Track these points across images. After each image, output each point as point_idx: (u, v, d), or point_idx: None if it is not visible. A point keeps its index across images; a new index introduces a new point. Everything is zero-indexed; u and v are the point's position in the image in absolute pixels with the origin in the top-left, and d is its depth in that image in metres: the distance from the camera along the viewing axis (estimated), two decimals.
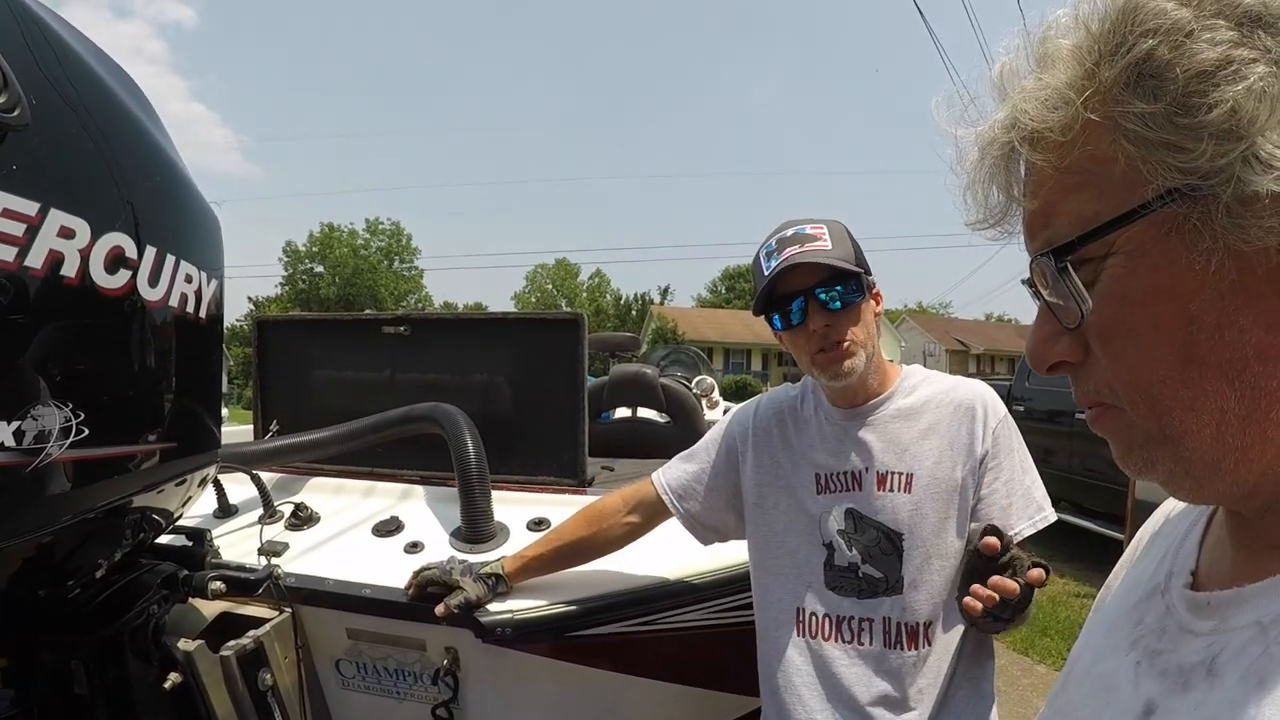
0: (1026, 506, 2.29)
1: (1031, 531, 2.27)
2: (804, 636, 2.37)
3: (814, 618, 2.36)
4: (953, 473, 2.29)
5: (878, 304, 2.37)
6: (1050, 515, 2.31)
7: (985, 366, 78.10)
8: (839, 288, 2.22)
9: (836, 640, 2.33)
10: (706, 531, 2.62)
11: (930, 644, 2.26)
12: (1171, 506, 1.10)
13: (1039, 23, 0.85)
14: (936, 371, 2.51)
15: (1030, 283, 0.89)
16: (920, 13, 13.19)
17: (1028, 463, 2.35)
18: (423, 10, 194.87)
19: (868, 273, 2.30)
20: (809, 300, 2.23)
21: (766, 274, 2.26)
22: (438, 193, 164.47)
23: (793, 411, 2.54)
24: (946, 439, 2.32)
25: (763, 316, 2.38)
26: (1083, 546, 10.34)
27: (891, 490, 2.32)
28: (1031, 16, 0.87)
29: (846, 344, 2.24)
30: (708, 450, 2.65)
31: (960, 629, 2.27)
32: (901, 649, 2.25)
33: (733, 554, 2.75)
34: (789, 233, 2.29)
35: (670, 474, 2.68)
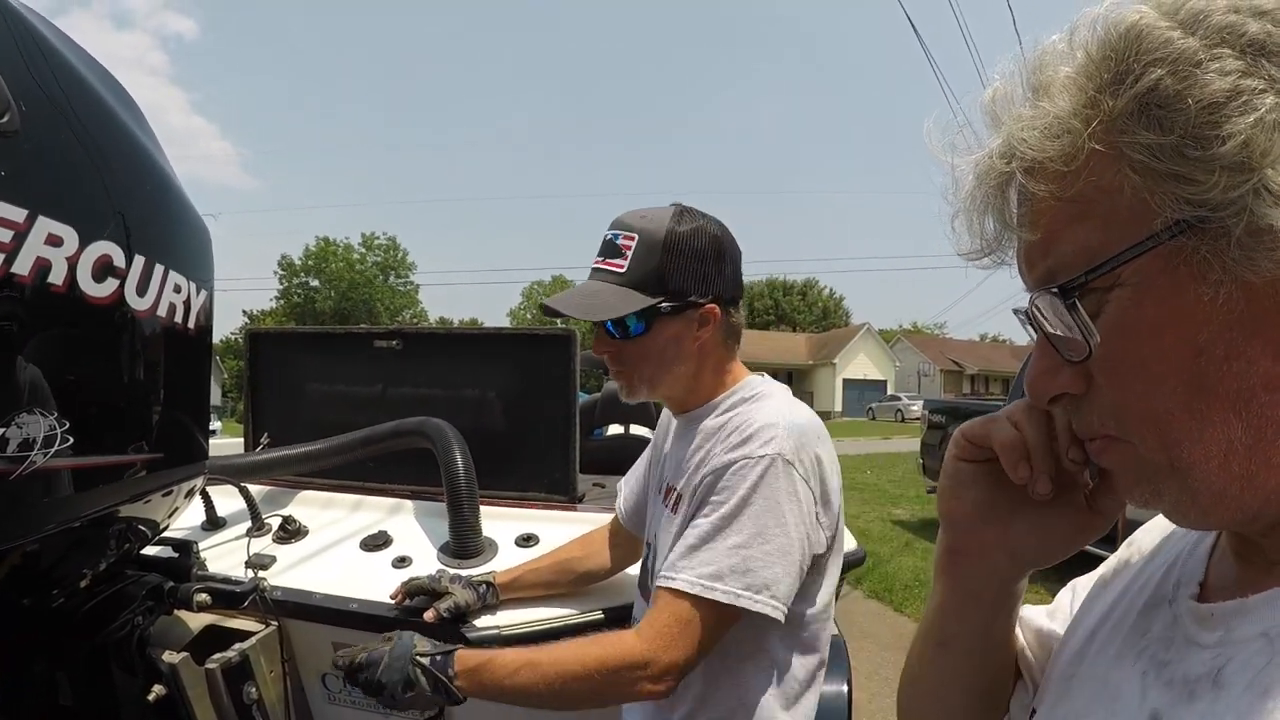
0: (680, 567, 1.92)
1: (684, 586, 1.89)
2: None
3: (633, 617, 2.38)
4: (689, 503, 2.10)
5: (704, 325, 2.16)
6: (705, 585, 1.86)
7: (980, 386, 78.77)
8: (626, 320, 2.13)
9: None
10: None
11: None
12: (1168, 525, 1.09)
13: (1032, 48, 0.84)
14: (773, 391, 2.22)
15: (1027, 314, 0.89)
16: (916, 32, 13.26)
17: (738, 523, 1.91)
18: (426, 26, 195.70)
19: (677, 296, 2.12)
20: (598, 325, 2.17)
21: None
22: (435, 207, 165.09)
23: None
24: (700, 463, 2.11)
25: None
26: (1076, 568, 10.31)
27: (666, 504, 2.23)
28: (1027, 41, 0.86)
29: (625, 372, 2.22)
30: (645, 451, 2.68)
31: (700, 676, 2.05)
32: None
33: None
34: (608, 235, 2.18)
35: (625, 481, 2.73)
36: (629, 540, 2.68)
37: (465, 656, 1.94)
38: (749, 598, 1.86)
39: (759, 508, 1.91)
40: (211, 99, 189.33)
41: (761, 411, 2.06)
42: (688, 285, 2.12)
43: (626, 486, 2.71)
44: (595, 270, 2.15)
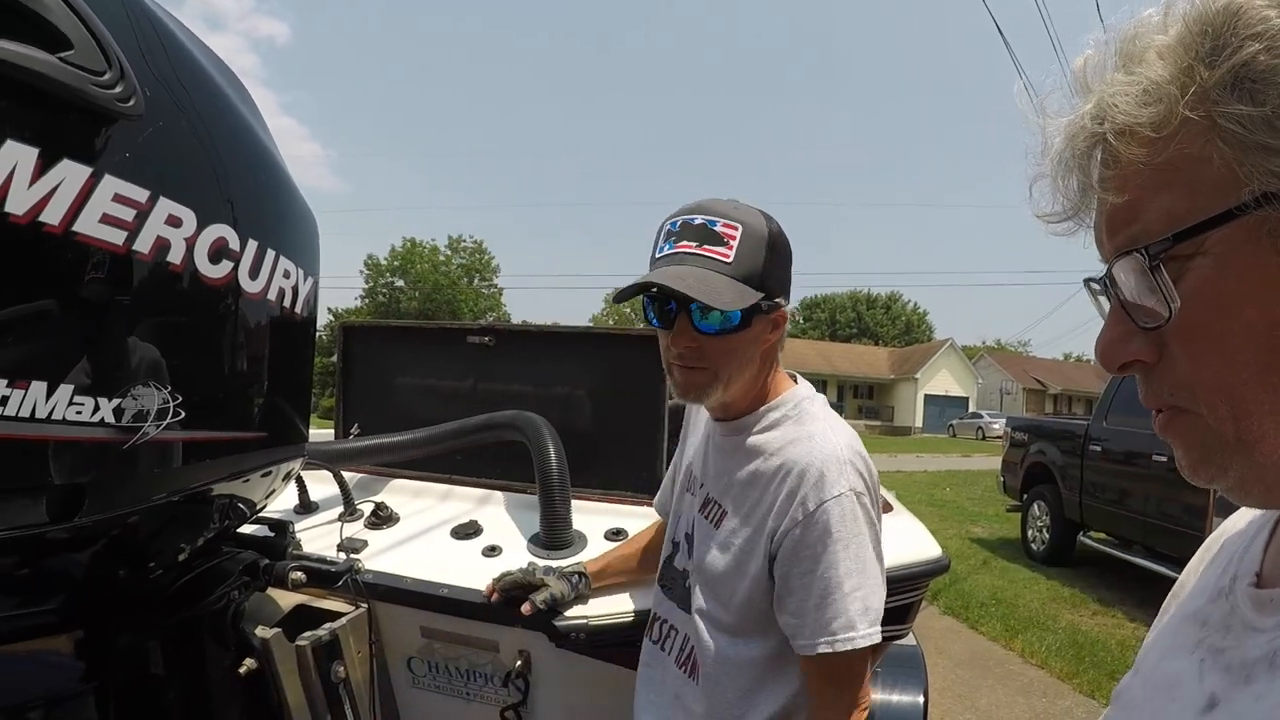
0: (817, 630, 1.92)
1: (828, 650, 1.90)
2: (650, 624, 2.39)
3: (652, 609, 2.38)
4: (753, 535, 2.06)
5: (776, 329, 2.12)
6: (845, 640, 1.90)
7: (1063, 406, 77.52)
8: (716, 312, 1.97)
9: (649, 636, 2.36)
10: None
11: (698, 683, 2.15)
12: (1234, 522, 1.10)
13: (1124, 21, 0.85)
14: (813, 412, 2.16)
15: (1102, 281, 0.89)
16: (999, 28, 13.11)
17: (845, 566, 1.93)
18: (513, 39, 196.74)
19: (770, 296, 2.03)
20: (681, 311, 2.01)
21: (656, 258, 2.04)
22: (521, 212, 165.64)
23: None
24: (759, 498, 2.06)
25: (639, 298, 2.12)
26: (1155, 591, 10.17)
27: (708, 518, 2.19)
28: (1109, 20, 0.88)
29: (704, 370, 2.05)
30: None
31: (728, 695, 2.09)
32: (686, 672, 2.19)
33: None
34: (697, 221, 2.01)
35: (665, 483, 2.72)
36: None
37: None
38: (877, 632, 1.93)
39: (855, 547, 1.94)
40: (301, 101, 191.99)
41: (818, 444, 2.02)
42: (776, 286, 2.05)
43: (663, 484, 2.72)
44: (690, 255, 1.98)
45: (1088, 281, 0.94)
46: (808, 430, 2.08)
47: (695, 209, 2.04)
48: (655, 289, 1.97)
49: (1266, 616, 0.86)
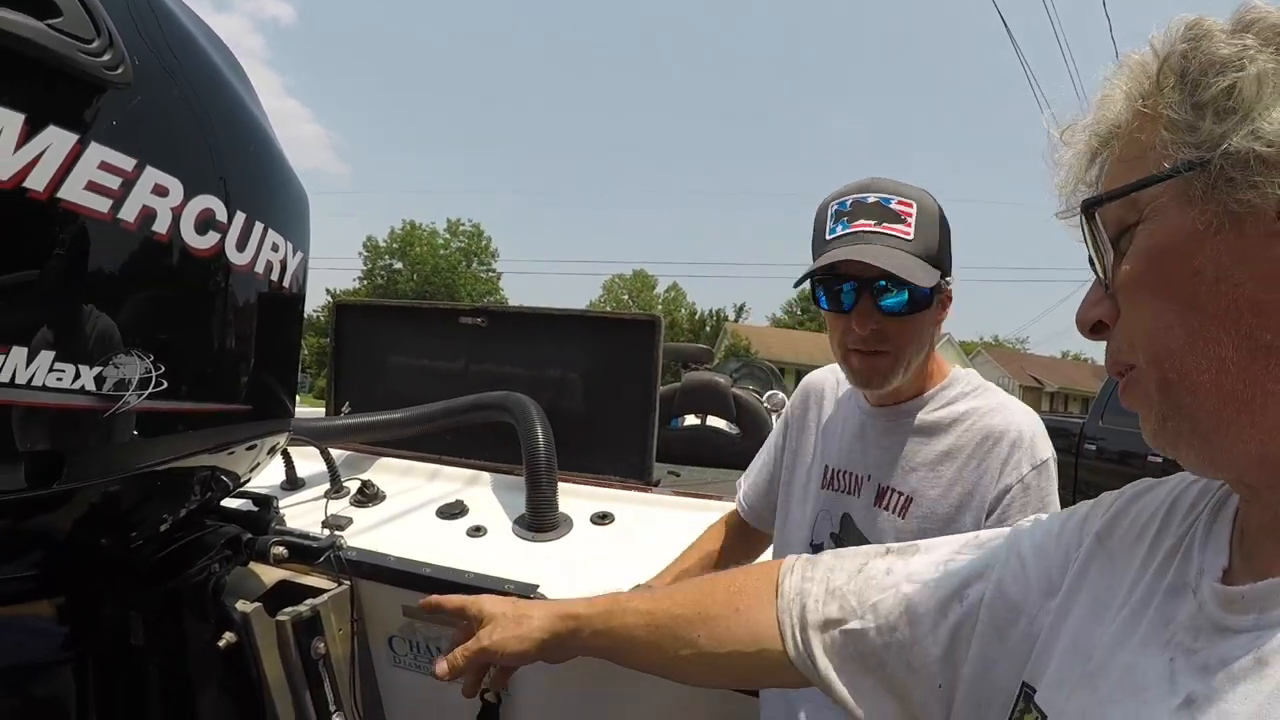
0: None
1: None
2: None
3: None
4: (956, 512, 2.00)
5: (944, 308, 2.10)
6: None
7: (1059, 404, 77.27)
8: (903, 291, 1.95)
9: None
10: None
11: None
12: (1171, 492, 1.14)
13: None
14: (990, 385, 2.17)
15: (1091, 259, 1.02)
16: (1011, 35, 13.16)
17: None
18: (518, 25, 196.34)
19: (945, 273, 2.02)
20: (863, 291, 1.97)
21: (828, 239, 2.01)
22: (520, 198, 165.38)
23: (832, 392, 2.39)
24: (961, 470, 2.02)
25: (806, 283, 2.10)
26: None
27: (887, 509, 2.09)
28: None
29: (886, 354, 2.01)
30: (771, 437, 2.59)
31: None
32: None
33: None
34: (870, 199, 1.99)
35: (747, 473, 2.65)
36: (752, 535, 2.64)
37: None
38: None
39: (1055, 504, 1.93)
40: (305, 83, 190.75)
41: (1008, 410, 2.05)
42: (948, 263, 2.04)
43: (748, 482, 2.65)
44: (871, 233, 1.96)
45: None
46: (1000, 400, 2.11)
47: (865, 187, 2.04)
48: (839, 267, 1.97)
49: (1239, 616, 0.88)
